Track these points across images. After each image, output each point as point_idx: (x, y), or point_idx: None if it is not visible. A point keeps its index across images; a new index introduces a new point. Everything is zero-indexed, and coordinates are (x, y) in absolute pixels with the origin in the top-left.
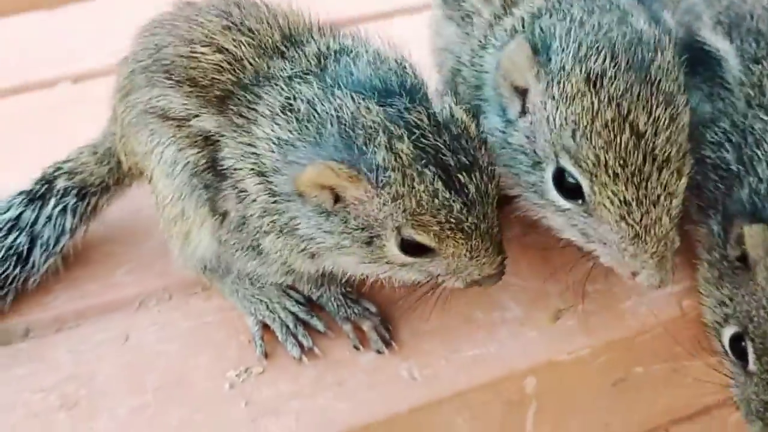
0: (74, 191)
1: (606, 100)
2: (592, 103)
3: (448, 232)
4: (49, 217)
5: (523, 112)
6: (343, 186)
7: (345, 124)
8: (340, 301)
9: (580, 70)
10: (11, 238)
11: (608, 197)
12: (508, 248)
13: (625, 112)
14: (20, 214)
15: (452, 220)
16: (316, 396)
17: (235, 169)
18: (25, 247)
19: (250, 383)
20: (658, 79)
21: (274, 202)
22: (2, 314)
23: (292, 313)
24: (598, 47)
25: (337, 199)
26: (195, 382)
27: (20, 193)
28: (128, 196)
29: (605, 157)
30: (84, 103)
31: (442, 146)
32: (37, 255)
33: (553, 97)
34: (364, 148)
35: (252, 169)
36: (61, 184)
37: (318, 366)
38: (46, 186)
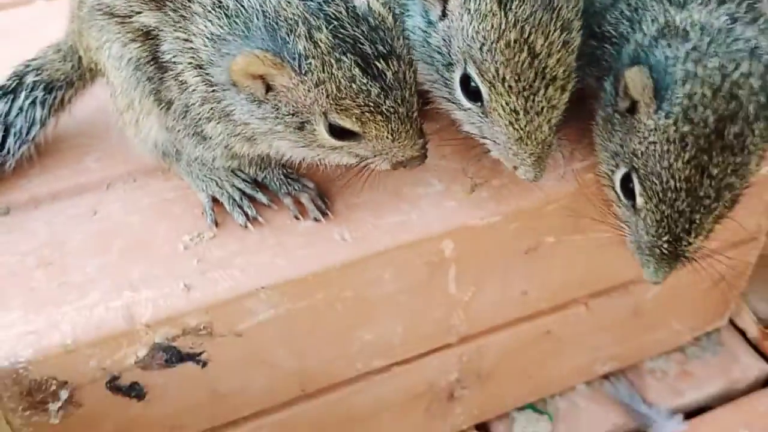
0: (42, 86)
1: (512, 21)
2: (500, 23)
3: (368, 116)
4: (21, 109)
5: (444, 15)
6: (271, 74)
7: (269, 18)
8: (282, 180)
9: None
10: None
11: (501, 105)
12: (437, 137)
13: (527, 34)
14: None
15: (371, 104)
16: (259, 254)
17: (175, 63)
18: (0, 134)
19: (202, 245)
20: (559, 6)
21: (213, 91)
22: None
23: (239, 189)
24: None
25: (268, 88)
26: (154, 245)
27: None
28: (95, 94)
29: (504, 72)
30: (60, 19)
31: (359, 36)
32: (12, 142)
33: (469, 12)
34: (286, 38)
35: (190, 62)
36: (30, 79)
37: (262, 231)
38: (17, 81)
